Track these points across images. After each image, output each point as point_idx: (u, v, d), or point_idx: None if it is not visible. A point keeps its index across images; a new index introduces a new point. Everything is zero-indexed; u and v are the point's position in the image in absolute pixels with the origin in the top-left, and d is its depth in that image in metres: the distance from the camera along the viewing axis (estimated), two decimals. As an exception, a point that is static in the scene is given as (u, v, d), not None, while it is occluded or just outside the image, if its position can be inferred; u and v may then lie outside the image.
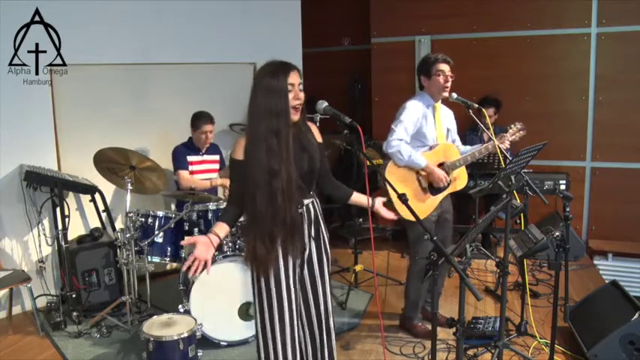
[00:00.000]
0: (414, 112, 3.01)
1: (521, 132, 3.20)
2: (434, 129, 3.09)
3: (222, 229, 2.01)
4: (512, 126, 3.18)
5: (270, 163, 1.92)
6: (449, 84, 3.02)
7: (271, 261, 1.99)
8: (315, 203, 2.14)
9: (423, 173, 3.02)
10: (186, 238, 2.02)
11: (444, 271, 3.54)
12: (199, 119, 3.89)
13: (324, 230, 2.18)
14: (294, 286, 2.08)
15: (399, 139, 2.95)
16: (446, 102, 3.16)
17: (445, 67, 3.00)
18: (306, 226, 2.08)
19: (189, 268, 1.90)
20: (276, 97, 1.92)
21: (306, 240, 2.10)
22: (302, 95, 2.00)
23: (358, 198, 2.26)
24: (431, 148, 3.08)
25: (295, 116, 1.99)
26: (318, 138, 2.14)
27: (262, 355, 2.07)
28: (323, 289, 2.16)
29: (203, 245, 1.92)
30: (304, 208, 2.07)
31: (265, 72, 1.96)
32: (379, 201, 2.23)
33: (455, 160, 3.09)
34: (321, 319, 2.16)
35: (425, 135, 3.05)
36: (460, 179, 3.20)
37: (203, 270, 1.92)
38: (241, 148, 1.99)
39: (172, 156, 3.96)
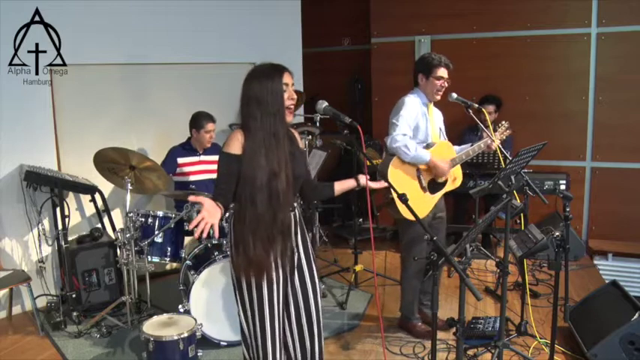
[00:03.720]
0: (413, 107, 3.01)
1: (508, 131, 3.30)
2: (429, 127, 3.09)
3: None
4: (500, 125, 3.30)
5: (270, 165, 1.91)
6: (443, 90, 3.05)
7: (270, 262, 1.97)
8: (299, 208, 2.14)
9: (423, 167, 3.02)
10: (191, 197, 1.86)
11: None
12: (203, 119, 3.85)
13: (307, 234, 2.18)
14: (284, 289, 2.07)
15: (404, 134, 2.93)
16: (441, 102, 3.16)
17: (444, 73, 3.01)
18: (293, 230, 2.08)
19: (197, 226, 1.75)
20: (273, 98, 1.92)
21: (294, 244, 2.09)
22: (295, 95, 2.00)
23: (342, 186, 2.24)
24: (428, 146, 3.08)
25: (289, 117, 1.99)
26: (300, 144, 2.16)
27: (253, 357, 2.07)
28: (314, 293, 2.14)
29: (211, 206, 1.80)
30: (293, 212, 2.08)
31: (260, 74, 1.95)
32: (363, 178, 2.19)
33: (452, 159, 3.09)
34: (311, 324, 2.14)
35: (423, 132, 3.06)
36: (457, 178, 3.22)
37: (210, 233, 1.78)
38: (237, 143, 1.94)
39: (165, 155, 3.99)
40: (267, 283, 2.00)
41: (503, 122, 3.31)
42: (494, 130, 3.32)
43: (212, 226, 1.76)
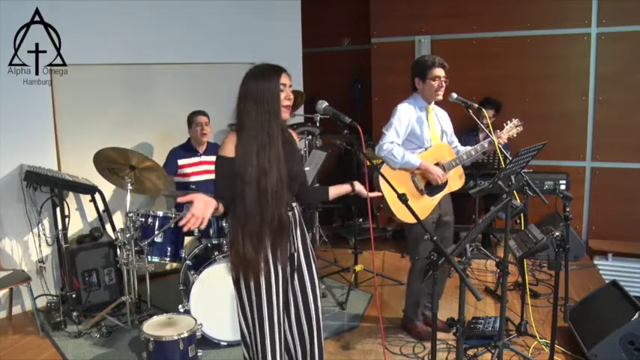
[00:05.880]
0: (404, 114, 3.01)
1: (518, 128, 3.22)
2: (428, 130, 3.07)
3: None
4: (509, 122, 3.22)
5: (261, 162, 1.92)
6: (443, 89, 3.02)
7: (260, 261, 1.97)
8: (298, 208, 2.14)
9: (418, 172, 3.01)
10: (179, 199, 1.87)
11: (444, 273, 3.53)
12: (192, 114, 3.98)
13: (307, 235, 2.18)
14: (283, 290, 2.06)
15: (390, 142, 2.94)
16: (442, 102, 3.15)
17: (441, 73, 2.99)
18: (293, 231, 2.08)
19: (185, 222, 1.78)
20: (268, 98, 1.93)
21: (295, 244, 2.09)
22: (292, 96, 2.03)
23: (336, 190, 2.26)
24: (427, 149, 3.07)
25: (286, 114, 2.01)
26: (298, 145, 2.17)
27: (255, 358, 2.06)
28: (313, 294, 2.14)
29: (201, 202, 1.81)
30: (292, 211, 2.07)
31: (257, 73, 1.97)
32: (358, 184, 2.23)
33: (451, 160, 3.08)
34: (311, 325, 2.13)
35: (419, 137, 3.04)
36: (457, 179, 3.20)
37: (202, 230, 1.82)
38: (231, 145, 1.97)
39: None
40: (265, 284, 1.99)
41: (514, 119, 3.23)
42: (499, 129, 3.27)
43: (202, 220, 1.78)
